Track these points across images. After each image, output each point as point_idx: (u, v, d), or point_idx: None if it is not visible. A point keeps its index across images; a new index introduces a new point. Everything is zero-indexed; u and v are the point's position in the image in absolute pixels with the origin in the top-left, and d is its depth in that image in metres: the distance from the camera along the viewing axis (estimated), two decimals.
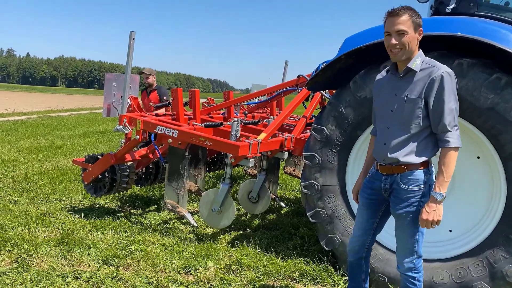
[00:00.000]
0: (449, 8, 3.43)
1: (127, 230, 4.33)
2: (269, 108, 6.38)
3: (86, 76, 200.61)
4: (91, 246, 3.82)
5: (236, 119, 4.31)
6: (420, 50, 2.38)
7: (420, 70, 2.32)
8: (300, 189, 5.84)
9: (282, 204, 5.54)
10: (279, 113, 5.83)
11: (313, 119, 5.10)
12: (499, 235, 2.94)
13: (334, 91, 4.72)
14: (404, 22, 2.26)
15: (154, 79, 7.37)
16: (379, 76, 2.58)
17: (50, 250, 3.71)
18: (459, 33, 2.89)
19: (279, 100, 6.12)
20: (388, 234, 3.01)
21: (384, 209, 2.57)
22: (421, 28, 2.33)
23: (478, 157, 3.12)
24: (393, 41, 2.30)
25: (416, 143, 2.36)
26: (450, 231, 3.25)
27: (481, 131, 2.97)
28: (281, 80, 7.13)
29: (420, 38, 2.35)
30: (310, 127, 4.99)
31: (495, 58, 2.91)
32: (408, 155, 2.37)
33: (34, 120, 17.02)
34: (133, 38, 4.36)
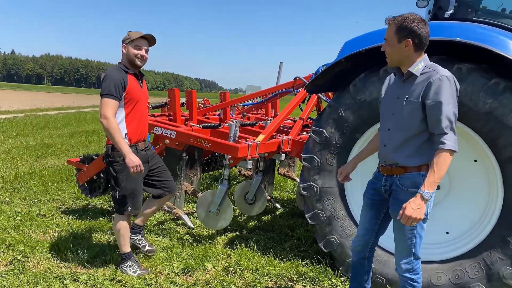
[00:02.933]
0: (447, 14, 3.47)
1: None
2: (263, 110, 6.39)
3: (72, 75, 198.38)
4: (87, 247, 3.77)
5: (235, 120, 4.30)
6: (425, 55, 2.40)
7: (421, 74, 2.35)
8: (296, 191, 5.88)
9: (278, 205, 5.55)
10: (275, 114, 5.86)
11: (309, 121, 5.14)
12: (496, 237, 2.99)
13: (331, 94, 4.79)
14: (388, 31, 2.38)
15: None
16: (387, 79, 2.62)
17: (46, 251, 3.66)
18: (458, 38, 2.93)
19: (273, 101, 6.15)
20: (386, 236, 3.03)
21: (387, 210, 2.59)
22: (408, 39, 2.30)
23: (475, 160, 3.17)
24: (382, 47, 2.45)
25: (415, 146, 2.38)
26: (447, 233, 3.30)
27: (479, 134, 3.02)
28: (275, 81, 7.16)
29: (409, 46, 2.31)
30: (307, 129, 5.05)
31: (491, 63, 2.96)
32: (406, 157, 2.39)
33: (21, 119, 16.75)
34: None
